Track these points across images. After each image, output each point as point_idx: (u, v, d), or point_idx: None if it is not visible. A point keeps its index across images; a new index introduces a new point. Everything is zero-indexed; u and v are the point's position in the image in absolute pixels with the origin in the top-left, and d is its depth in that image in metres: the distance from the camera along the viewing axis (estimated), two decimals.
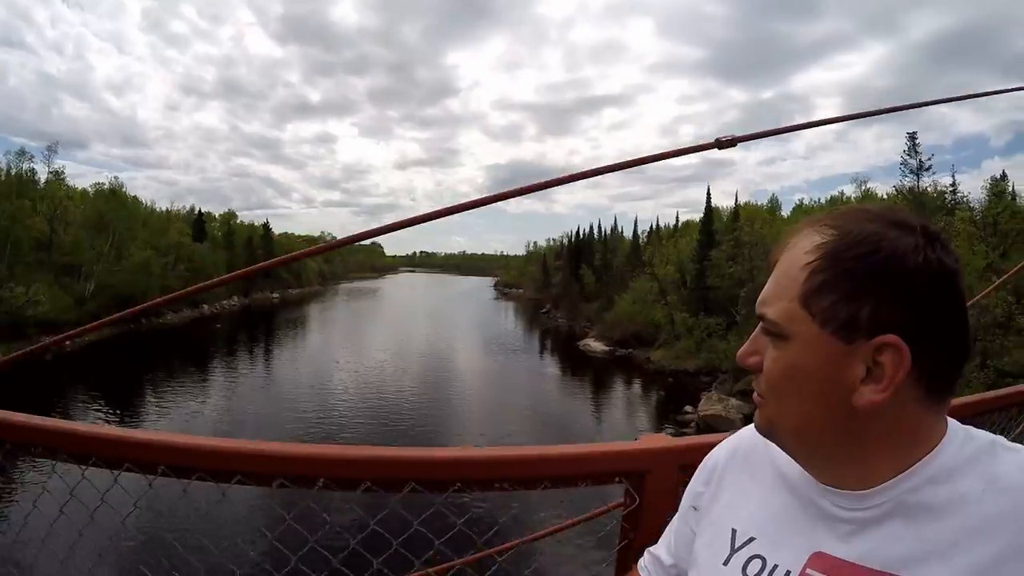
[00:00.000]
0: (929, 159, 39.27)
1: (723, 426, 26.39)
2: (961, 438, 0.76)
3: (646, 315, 49.57)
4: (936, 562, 0.70)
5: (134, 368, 35.76)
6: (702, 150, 1.87)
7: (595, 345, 51.14)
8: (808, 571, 0.79)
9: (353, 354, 44.78)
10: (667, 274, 50.35)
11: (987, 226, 33.59)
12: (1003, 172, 38.96)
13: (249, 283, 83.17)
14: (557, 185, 1.92)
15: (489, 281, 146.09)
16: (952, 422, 0.78)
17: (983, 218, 34.45)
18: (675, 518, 1.09)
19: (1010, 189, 37.10)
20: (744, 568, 0.86)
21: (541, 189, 1.91)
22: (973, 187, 46.00)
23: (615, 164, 1.91)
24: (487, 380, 38.95)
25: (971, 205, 36.75)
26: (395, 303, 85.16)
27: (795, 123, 2.08)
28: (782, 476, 0.89)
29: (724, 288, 42.95)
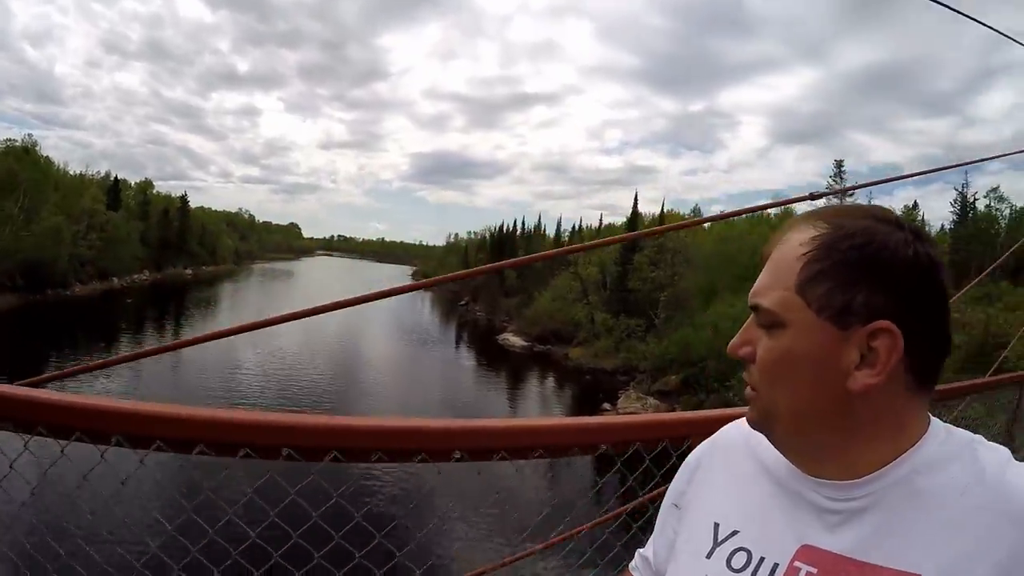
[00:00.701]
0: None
1: None
2: (943, 434, 0.79)
3: (566, 313, 50.21)
4: (921, 553, 0.71)
5: (34, 341, 33.74)
6: (795, 202, 1.99)
7: (514, 340, 51.50)
8: (796, 563, 0.79)
9: (264, 338, 43.51)
10: (590, 275, 51.10)
11: None
12: (915, 202, 41.79)
13: (162, 257, 79.84)
14: (619, 242, 1.93)
15: (407, 270, 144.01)
16: (933, 419, 0.80)
17: None
18: (658, 518, 1.07)
19: (920, 217, 39.79)
20: (728, 561, 0.85)
21: (598, 247, 1.91)
22: None
23: (700, 218, 2.02)
24: (402, 370, 38.66)
25: None
26: (311, 287, 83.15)
27: (868, 180, 2.22)
28: (766, 470, 0.89)
29: (645, 291, 44.08)
